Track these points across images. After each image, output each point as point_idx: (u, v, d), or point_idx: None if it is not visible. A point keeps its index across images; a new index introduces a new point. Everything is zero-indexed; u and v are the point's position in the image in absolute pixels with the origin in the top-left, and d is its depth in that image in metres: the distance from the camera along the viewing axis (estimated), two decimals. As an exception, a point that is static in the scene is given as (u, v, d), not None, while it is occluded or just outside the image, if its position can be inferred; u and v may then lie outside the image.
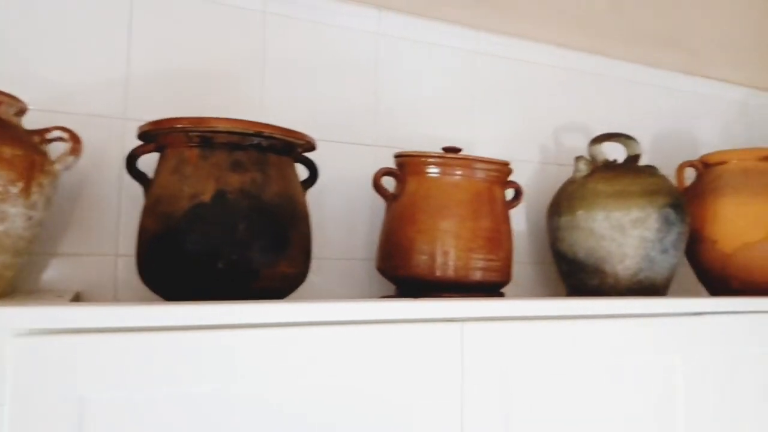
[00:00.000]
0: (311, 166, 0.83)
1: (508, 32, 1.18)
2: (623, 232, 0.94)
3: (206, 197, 0.70)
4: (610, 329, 0.79)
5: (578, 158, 1.03)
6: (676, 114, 1.39)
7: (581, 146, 1.24)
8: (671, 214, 0.95)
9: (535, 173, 1.21)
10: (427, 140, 1.10)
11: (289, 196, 0.75)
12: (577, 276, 1.01)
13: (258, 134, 0.72)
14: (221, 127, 0.71)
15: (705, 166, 1.13)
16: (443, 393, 0.69)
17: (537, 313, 0.74)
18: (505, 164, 0.92)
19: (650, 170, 1.00)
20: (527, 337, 0.73)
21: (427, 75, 1.11)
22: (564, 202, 1.02)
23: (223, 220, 0.69)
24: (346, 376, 0.62)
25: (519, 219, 1.18)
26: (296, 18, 1.01)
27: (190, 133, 0.71)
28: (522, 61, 1.21)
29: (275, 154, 0.75)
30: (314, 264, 1.00)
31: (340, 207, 1.03)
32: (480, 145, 1.16)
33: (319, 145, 1.01)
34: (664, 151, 1.35)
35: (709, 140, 1.42)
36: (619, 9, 1.34)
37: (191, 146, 0.72)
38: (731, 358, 0.88)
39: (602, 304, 0.77)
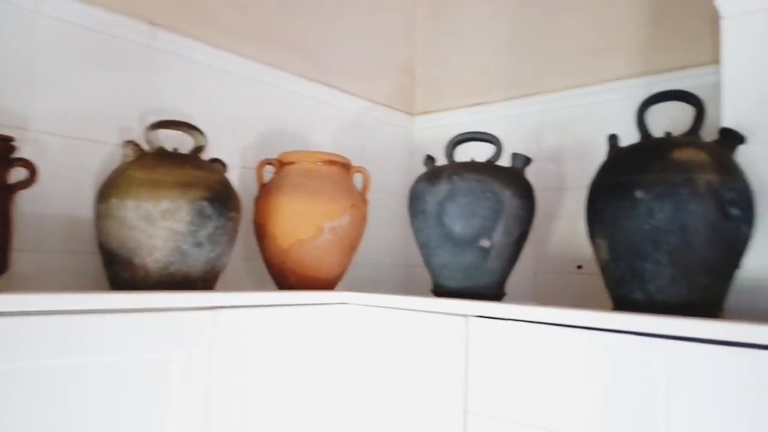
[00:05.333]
0: None
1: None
2: (152, 224, 0.90)
3: None
4: (84, 325, 0.73)
5: (127, 143, 0.97)
6: (292, 115, 1.45)
7: (173, 134, 1.19)
8: (207, 207, 0.94)
9: (113, 156, 1.12)
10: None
11: None
12: (112, 268, 0.94)
13: None
14: None
15: (281, 164, 1.18)
16: None
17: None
18: (6, 139, 0.80)
19: (198, 163, 0.99)
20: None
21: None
22: (104, 188, 0.94)
23: None
24: None
25: (84, 205, 1.07)
26: None
27: None
28: (107, 35, 1.10)
29: None
30: None
31: None
32: (42, 120, 1.02)
33: None
34: (274, 150, 1.39)
35: (321, 144, 1.51)
36: (240, 5, 1.33)
37: None
38: (246, 351, 0.91)
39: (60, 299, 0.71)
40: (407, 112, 1.79)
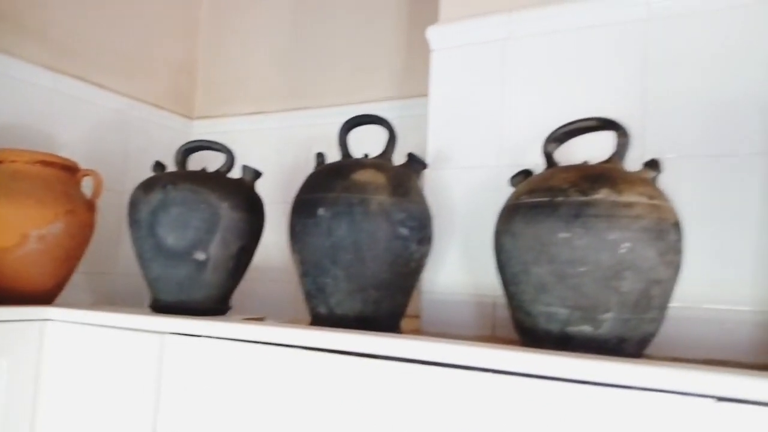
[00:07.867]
0: None
1: None
2: None
3: None
4: None
5: None
6: (30, 110, 1.31)
7: None
8: None
9: None
10: None
11: None
12: None
13: None
14: None
15: (-14, 164, 1.05)
16: None
17: None
18: None
19: None
20: None
21: None
22: None
23: None
24: None
25: None
26: None
27: None
28: None
29: None
30: None
31: None
32: None
33: None
34: (8, 146, 1.24)
35: (68, 142, 1.38)
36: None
37: None
38: None
39: None
40: (185, 115, 1.72)
